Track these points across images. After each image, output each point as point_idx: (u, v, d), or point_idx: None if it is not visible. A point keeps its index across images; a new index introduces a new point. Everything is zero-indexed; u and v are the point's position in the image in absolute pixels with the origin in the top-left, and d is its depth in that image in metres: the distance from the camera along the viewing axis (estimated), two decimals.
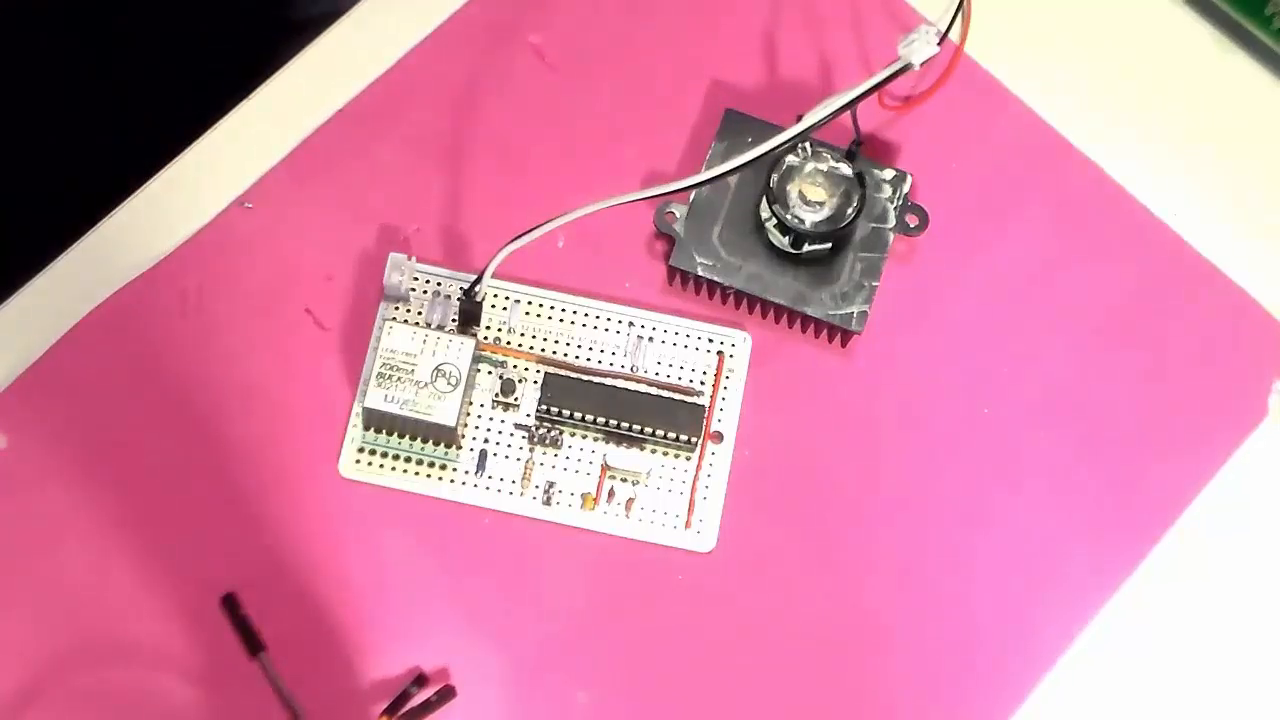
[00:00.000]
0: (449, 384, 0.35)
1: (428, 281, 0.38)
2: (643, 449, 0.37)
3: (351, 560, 0.36)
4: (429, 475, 0.37)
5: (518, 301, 0.38)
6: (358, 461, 0.37)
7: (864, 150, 0.37)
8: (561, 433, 0.37)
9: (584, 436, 0.37)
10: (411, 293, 0.38)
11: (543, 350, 0.38)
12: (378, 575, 0.36)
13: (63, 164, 0.54)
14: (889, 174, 0.39)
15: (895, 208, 0.39)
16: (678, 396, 0.37)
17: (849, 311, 0.38)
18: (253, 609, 0.35)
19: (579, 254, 0.39)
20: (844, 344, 0.39)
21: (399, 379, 0.35)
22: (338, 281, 0.38)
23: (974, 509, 0.38)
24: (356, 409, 0.37)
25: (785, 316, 0.38)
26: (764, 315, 0.39)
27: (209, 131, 0.40)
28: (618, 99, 0.41)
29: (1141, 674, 0.37)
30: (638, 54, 0.41)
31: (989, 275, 0.40)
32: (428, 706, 0.34)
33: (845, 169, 0.38)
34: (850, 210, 0.37)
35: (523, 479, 0.37)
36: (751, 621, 0.36)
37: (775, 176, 0.37)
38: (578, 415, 0.36)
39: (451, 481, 0.37)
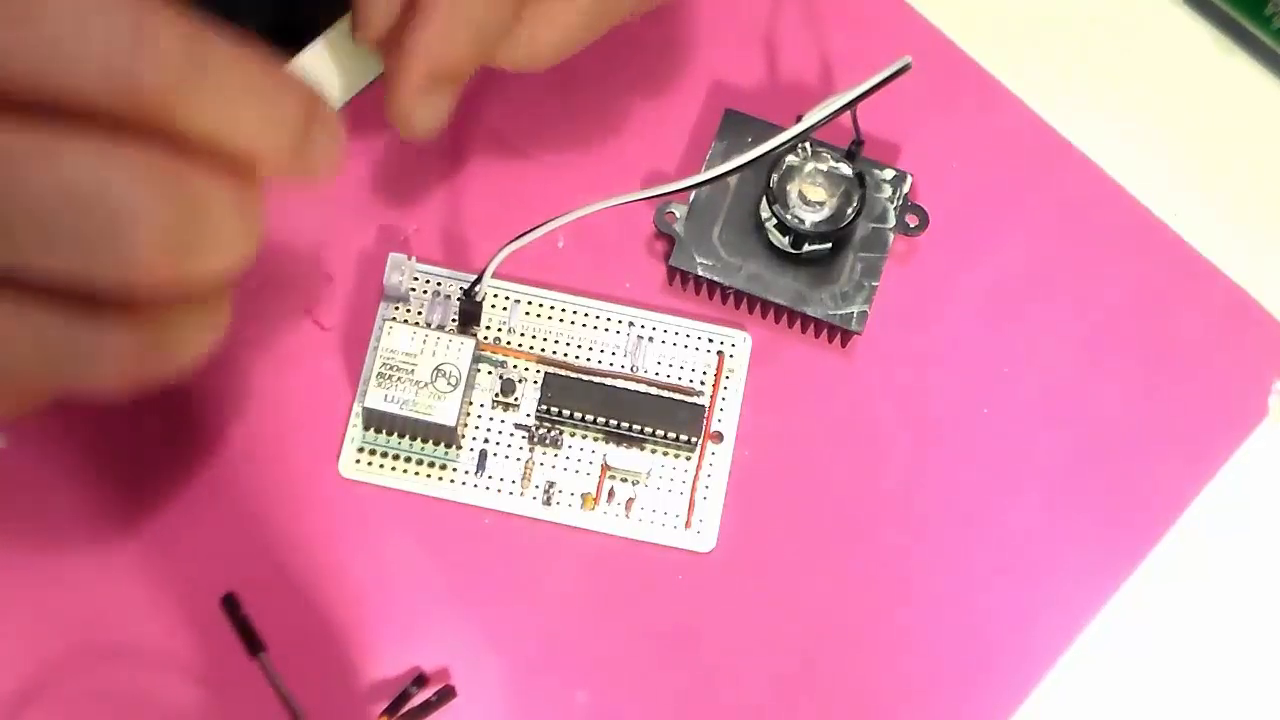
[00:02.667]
0: (449, 384, 0.35)
1: (428, 281, 0.38)
2: (643, 449, 0.37)
3: (351, 560, 0.36)
4: (429, 475, 0.37)
5: (518, 301, 0.38)
6: (358, 461, 0.37)
7: (864, 150, 0.37)
8: (561, 433, 0.37)
9: (584, 436, 0.37)
10: (411, 293, 0.38)
11: (543, 350, 0.38)
12: (378, 575, 0.36)
13: None
14: (889, 174, 0.39)
15: (895, 208, 0.39)
16: (678, 396, 0.37)
17: (849, 311, 0.38)
18: (253, 609, 0.35)
19: (579, 254, 0.39)
20: (844, 344, 0.39)
21: (399, 379, 0.35)
22: (338, 281, 0.38)
23: (974, 509, 0.38)
24: (356, 409, 0.37)
25: (785, 316, 0.38)
26: (764, 315, 0.39)
27: None
28: (618, 99, 0.41)
29: (1141, 674, 0.37)
30: (638, 54, 0.41)
31: (989, 275, 0.40)
32: (428, 707, 0.34)
33: (845, 169, 0.38)
34: (850, 210, 0.37)
35: (523, 479, 0.37)
36: (752, 621, 0.36)
37: (775, 176, 0.37)
38: (578, 415, 0.36)
39: (451, 481, 0.37)
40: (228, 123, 0.27)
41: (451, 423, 0.35)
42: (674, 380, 0.38)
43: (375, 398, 0.35)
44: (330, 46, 0.40)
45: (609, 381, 0.37)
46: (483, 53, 0.33)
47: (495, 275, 0.36)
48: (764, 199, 0.38)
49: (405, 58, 0.33)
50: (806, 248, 0.38)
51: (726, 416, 0.38)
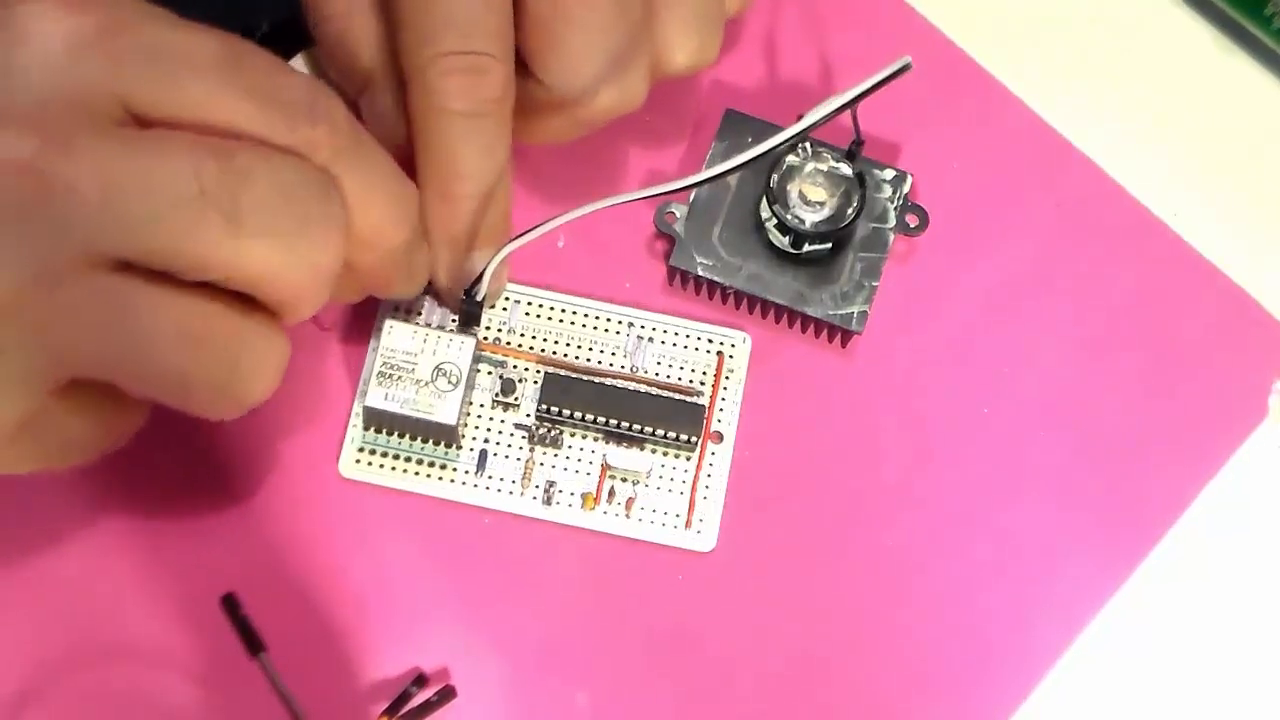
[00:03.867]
0: (450, 383, 0.35)
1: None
2: (643, 449, 0.37)
3: (351, 560, 0.36)
4: (429, 475, 0.37)
5: (518, 302, 0.38)
6: (358, 461, 0.37)
7: (864, 150, 0.37)
8: (561, 432, 0.37)
9: (584, 436, 0.37)
10: None
11: (543, 350, 0.38)
12: (378, 575, 0.36)
13: None
14: (889, 174, 0.39)
15: (895, 208, 0.39)
16: (678, 396, 0.37)
17: (849, 311, 0.38)
18: (253, 609, 0.35)
19: (579, 254, 0.39)
20: (844, 344, 0.39)
21: (399, 378, 0.35)
22: None
23: (974, 509, 0.38)
24: (356, 408, 0.37)
25: (785, 316, 0.38)
26: (764, 315, 0.39)
27: None
28: None
29: (1141, 674, 0.37)
30: None
31: (989, 275, 0.40)
32: (428, 707, 0.34)
33: (845, 169, 0.38)
34: (850, 210, 0.37)
35: (523, 479, 0.37)
36: (752, 621, 0.36)
37: (775, 176, 0.37)
38: (578, 415, 0.36)
39: (452, 481, 0.37)
40: (366, 202, 0.31)
41: (452, 421, 0.35)
42: (674, 380, 0.38)
43: (376, 397, 0.35)
44: (315, 59, 0.40)
45: (609, 381, 0.37)
46: (484, 202, 0.35)
47: None
48: (764, 199, 0.38)
49: (433, 248, 0.35)
50: (806, 248, 0.38)
51: (726, 416, 0.38)
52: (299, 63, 0.40)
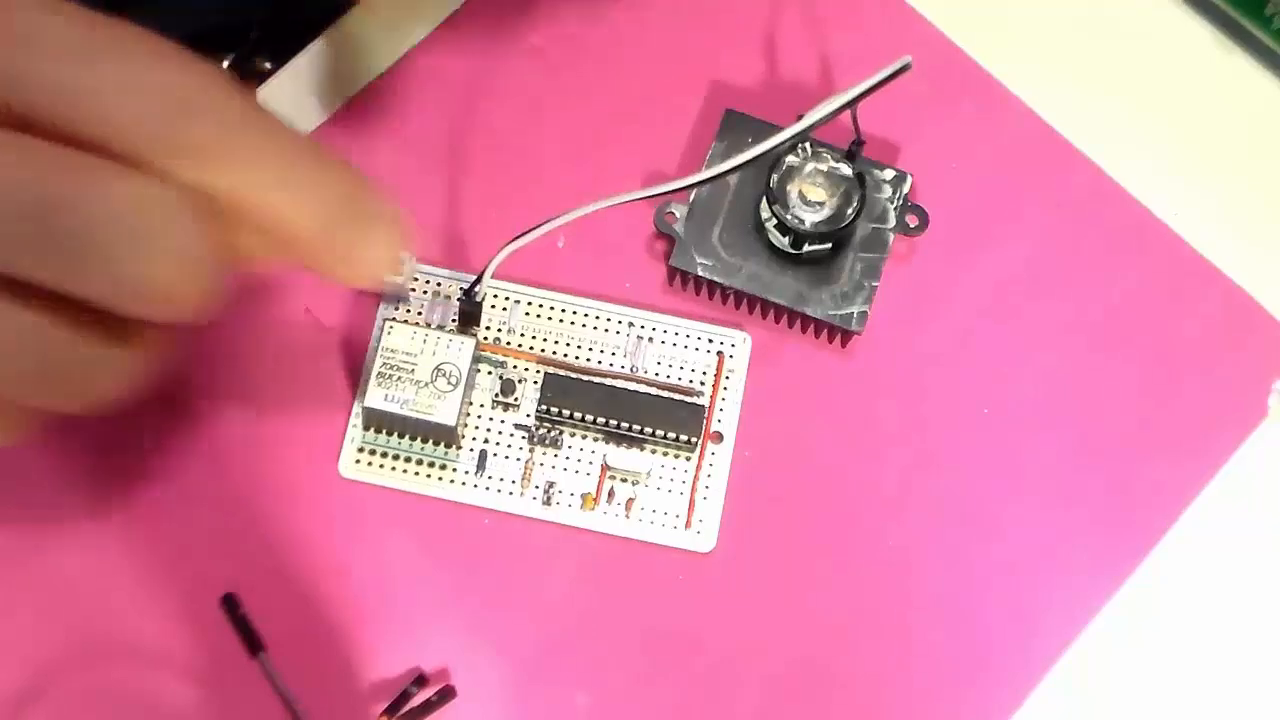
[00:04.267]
0: (449, 383, 0.35)
1: (428, 281, 0.38)
2: (643, 449, 0.37)
3: (351, 560, 0.36)
4: (429, 475, 0.37)
5: (518, 302, 0.38)
6: (358, 461, 0.37)
7: (864, 150, 0.37)
8: (561, 433, 0.37)
9: (584, 436, 0.37)
10: (411, 293, 0.38)
11: (543, 350, 0.38)
12: (378, 575, 0.36)
13: None
14: (889, 174, 0.39)
15: (895, 208, 0.39)
16: (678, 396, 0.37)
17: (849, 311, 0.38)
18: (253, 609, 0.35)
19: (579, 254, 0.39)
20: (844, 344, 0.39)
21: (399, 379, 0.35)
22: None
23: (974, 509, 0.38)
24: (356, 409, 0.37)
25: (785, 316, 0.38)
26: (764, 315, 0.39)
27: None
28: (618, 99, 0.41)
29: (1141, 674, 0.37)
30: (638, 54, 0.41)
31: (989, 275, 0.40)
32: (428, 707, 0.34)
33: (845, 169, 0.38)
34: (850, 210, 0.37)
35: (523, 479, 0.37)
36: (751, 621, 0.36)
37: (775, 176, 0.37)
38: (577, 415, 0.36)
39: (451, 482, 0.37)
40: (259, 191, 0.28)
41: (451, 422, 0.35)
42: (674, 380, 0.38)
43: (375, 397, 0.35)
44: (319, 55, 0.40)
45: (609, 381, 0.37)
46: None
47: (495, 275, 0.36)
48: (764, 199, 0.38)
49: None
50: (806, 248, 0.38)
51: (726, 416, 0.38)
52: (304, 59, 0.40)
